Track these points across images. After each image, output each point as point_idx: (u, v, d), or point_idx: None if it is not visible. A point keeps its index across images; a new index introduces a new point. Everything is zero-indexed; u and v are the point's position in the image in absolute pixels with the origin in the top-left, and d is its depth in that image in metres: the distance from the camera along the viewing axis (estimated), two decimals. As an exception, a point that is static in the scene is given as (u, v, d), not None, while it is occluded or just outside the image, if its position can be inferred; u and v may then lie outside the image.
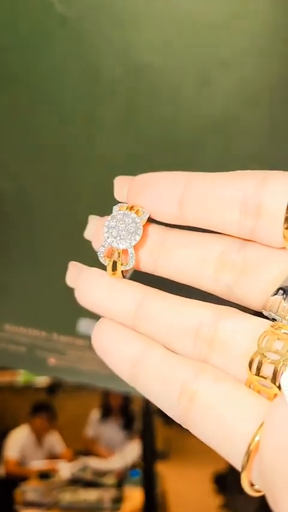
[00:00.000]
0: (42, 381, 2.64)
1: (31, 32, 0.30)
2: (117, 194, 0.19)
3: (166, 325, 0.17)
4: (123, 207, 0.18)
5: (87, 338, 0.35)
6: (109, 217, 0.18)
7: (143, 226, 0.18)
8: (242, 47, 0.28)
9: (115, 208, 0.18)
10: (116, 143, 0.30)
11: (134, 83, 0.29)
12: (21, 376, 2.67)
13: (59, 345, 0.35)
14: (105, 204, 0.30)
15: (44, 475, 1.86)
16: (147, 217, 0.18)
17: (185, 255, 0.17)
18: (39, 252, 0.35)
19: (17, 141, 0.32)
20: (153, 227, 0.18)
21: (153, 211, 0.18)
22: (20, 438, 1.96)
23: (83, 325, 0.35)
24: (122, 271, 0.18)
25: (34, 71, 0.30)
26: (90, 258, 0.32)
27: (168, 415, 0.16)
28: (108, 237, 0.18)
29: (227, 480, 1.98)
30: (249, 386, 0.15)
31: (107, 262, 0.18)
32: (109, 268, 0.18)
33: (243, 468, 0.14)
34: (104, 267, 0.18)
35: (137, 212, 0.18)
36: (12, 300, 0.37)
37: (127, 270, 0.18)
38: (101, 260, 0.18)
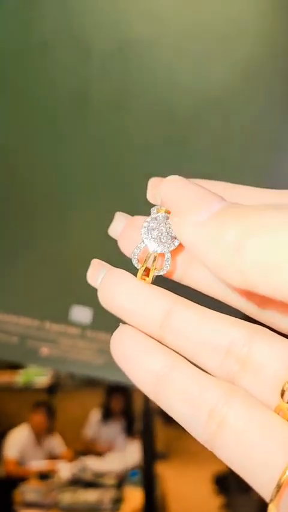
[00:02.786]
0: (41, 381, 2.64)
1: (18, 4, 0.29)
2: (151, 196, 0.18)
3: (195, 340, 0.16)
4: (162, 210, 0.17)
5: (80, 326, 0.34)
6: (148, 218, 0.17)
7: None
8: (238, 20, 0.27)
9: (153, 210, 0.17)
10: (108, 122, 0.29)
11: (127, 59, 0.28)
12: (20, 377, 2.66)
13: (51, 334, 0.34)
14: (98, 187, 0.28)
15: (44, 476, 1.85)
16: None
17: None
18: (30, 238, 0.34)
19: (5, 119, 0.31)
20: None
21: None
22: (19, 438, 1.96)
23: (76, 312, 0.34)
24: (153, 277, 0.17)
25: (22, 45, 0.29)
26: (83, 243, 0.31)
27: (192, 435, 0.15)
28: (146, 238, 0.17)
29: (228, 481, 1.97)
30: (278, 413, 0.14)
31: (140, 266, 0.17)
32: (140, 272, 0.17)
33: (271, 500, 0.13)
34: (129, 269, 0.17)
35: None
36: (2, 287, 0.36)
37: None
38: (134, 263, 0.17)
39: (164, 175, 0.17)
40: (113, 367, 0.28)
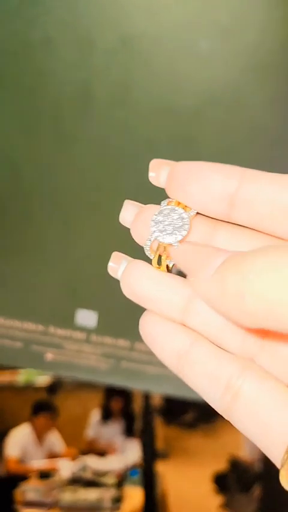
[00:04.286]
0: (42, 380, 2.64)
1: (21, 0, 0.28)
2: (153, 179, 0.18)
3: (218, 323, 0.17)
4: (172, 202, 0.18)
5: (86, 330, 0.33)
6: (156, 211, 0.18)
7: (192, 221, 0.18)
8: (242, 14, 0.26)
9: (163, 202, 0.18)
10: (112, 118, 0.29)
11: (130, 54, 0.27)
12: (21, 376, 2.66)
13: (56, 338, 0.34)
14: (102, 186, 0.28)
15: (44, 475, 1.86)
16: (195, 213, 0.18)
17: None
18: (34, 240, 0.33)
19: (7, 117, 0.31)
20: (201, 221, 0.18)
21: (198, 207, 0.17)
22: (21, 437, 1.96)
23: (81, 316, 0.34)
24: (167, 266, 0.18)
25: (24, 42, 0.28)
26: (89, 246, 0.31)
27: (212, 406, 0.17)
28: (154, 231, 0.18)
29: (227, 480, 1.98)
30: None
31: (153, 256, 0.18)
32: (154, 261, 0.18)
33: (282, 465, 0.14)
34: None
35: (185, 208, 0.18)
36: (5, 291, 0.35)
37: (172, 266, 0.18)
38: (147, 253, 0.18)
39: None
40: (118, 372, 0.27)
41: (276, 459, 0.15)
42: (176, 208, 0.18)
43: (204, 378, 0.16)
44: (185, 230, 0.18)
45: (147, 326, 0.18)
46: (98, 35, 0.27)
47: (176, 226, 0.18)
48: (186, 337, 0.17)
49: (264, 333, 0.16)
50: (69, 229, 0.30)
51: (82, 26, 0.28)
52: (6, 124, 0.31)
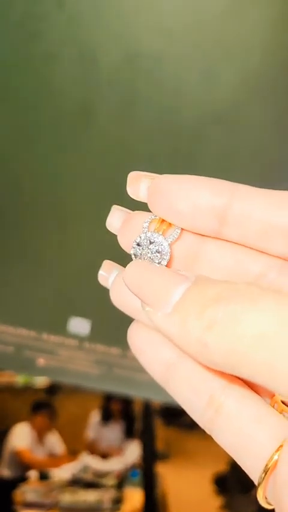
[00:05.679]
0: (41, 381, 2.64)
1: (25, 15, 0.28)
2: (132, 192, 0.17)
3: None
4: (155, 220, 0.17)
5: (78, 338, 0.34)
6: (135, 243, 0.17)
7: (173, 246, 0.17)
8: (246, 35, 0.26)
9: (145, 224, 0.17)
10: (113, 135, 0.29)
11: (133, 71, 0.27)
12: (20, 377, 2.67)
13: (49, 344, 0.34)
14: (100, 199, 0.28)
15: (44, 476, 1.86)
16: (178, 233, 0.17)
17: (220, 270, 0.17)
18: (29, 247, 0.33)
19: (8, 130, 0.31)
20: (188, 235, 0.17)
21: (185, 224, 0.16)
22: (23, 433, 1.96)
23: (74, 324, 0.34)
24: None
25: (27, 57, 0.29)
26: (83, 254, 0.31)
27: (194, 419, 0.17)
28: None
29: (227, 481, 1.98)
30: (273, 406, 0.16)
31: None
32: None
33: (259, 483, 0.14)
34: None
35: (166, 229, 0.17)
36: (0, 297, 0.35)
37: None
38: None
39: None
40: (110, 378, 0.27)
41: (254, 476, 0.15)
42: (156, 235, 0.17)
43: (188, 391, 0.16)
44: (165, 260, 0.17)
45: (134, 336, 0.17)
46: (101, 51, 0.27)
47: (156, 262, 0.17)
48: (173, 349, 0.17)
49: (230, 378, 0.16)
50: (65, 238, 0.31)
51: (86, 42, 0.28)
52: (6, 136, 0.31)
